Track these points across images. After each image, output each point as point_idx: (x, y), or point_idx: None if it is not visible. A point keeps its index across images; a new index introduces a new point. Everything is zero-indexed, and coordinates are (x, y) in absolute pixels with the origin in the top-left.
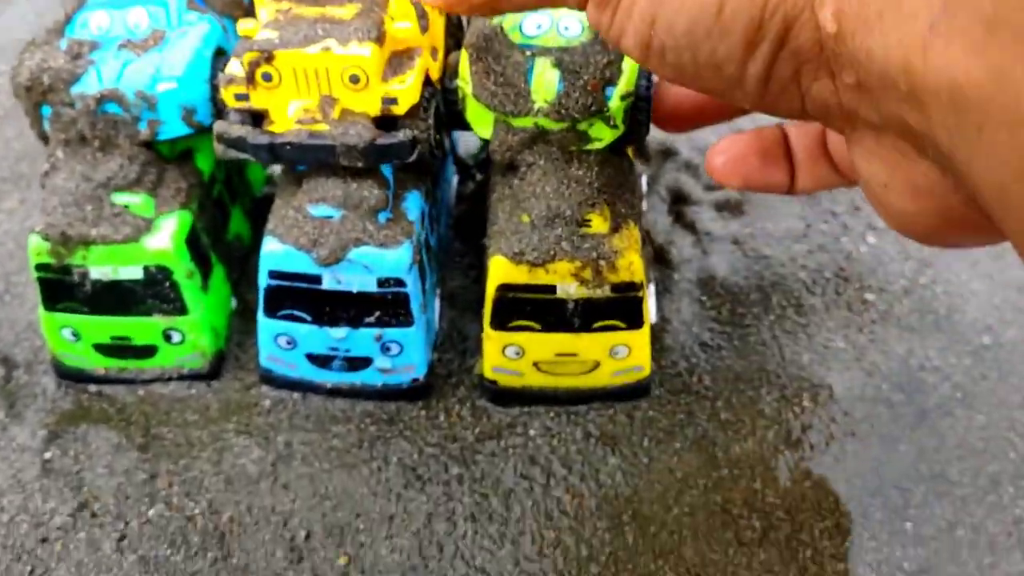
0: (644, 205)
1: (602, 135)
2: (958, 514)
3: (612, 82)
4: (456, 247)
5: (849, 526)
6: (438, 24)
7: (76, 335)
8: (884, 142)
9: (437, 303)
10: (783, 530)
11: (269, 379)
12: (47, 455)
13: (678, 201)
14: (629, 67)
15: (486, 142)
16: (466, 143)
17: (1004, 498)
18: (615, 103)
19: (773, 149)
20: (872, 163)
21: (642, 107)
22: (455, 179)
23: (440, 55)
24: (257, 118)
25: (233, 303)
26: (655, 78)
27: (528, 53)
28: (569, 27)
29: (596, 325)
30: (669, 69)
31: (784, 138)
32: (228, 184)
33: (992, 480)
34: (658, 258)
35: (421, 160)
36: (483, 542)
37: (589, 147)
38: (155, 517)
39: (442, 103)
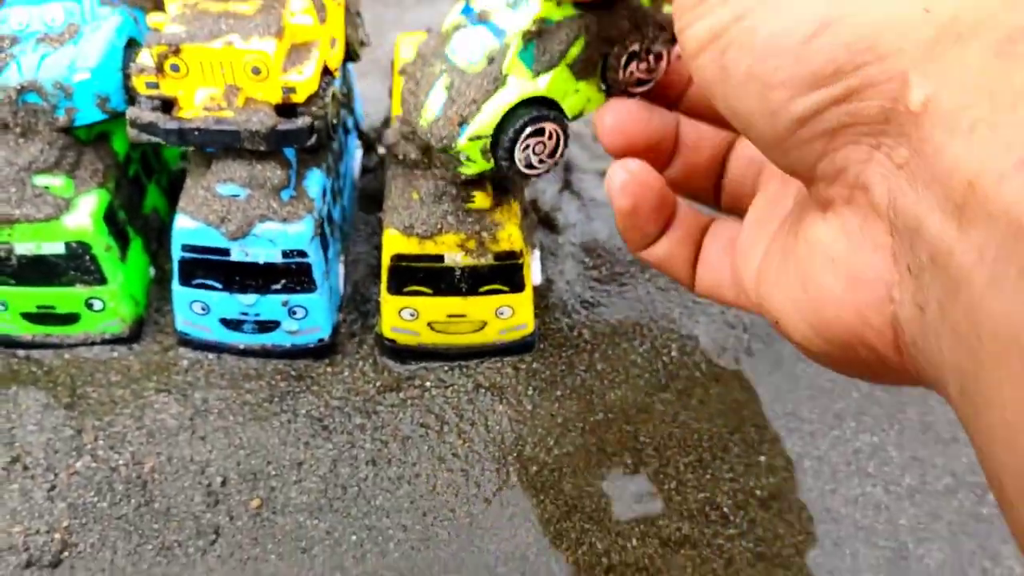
0: None
1: (467, 167)
2: (806, 447)
3: (466, 121)
4: (360, 216)
5: (710, 460)
6: (337, 15)
7: (4, 305)
8: (868, 227)
9: (341, 269)
10: (652, 465)
11: (186, 342)
12: None
13: (566, 170)
14: (493, 112)
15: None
16: (370, 119)
17: (846, 432)
18: (462, 142)
19: (667, 203)
20: (839, 237)
21: (502, 155)
22: (359, 152)
23: (340, 44)
24: (167, 104)
25: (152, 272)
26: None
27: (443, 68)
28: (474, 50)
29: (482, 289)
30: (716, 69)
31: (675, 205)
32: (144, 162)
33: (837, 416)
34: (545, 224)
35: (320, 142)
36: (383, 483)
37: (460, 171)
38: (82, 468)
39: (339, 90)
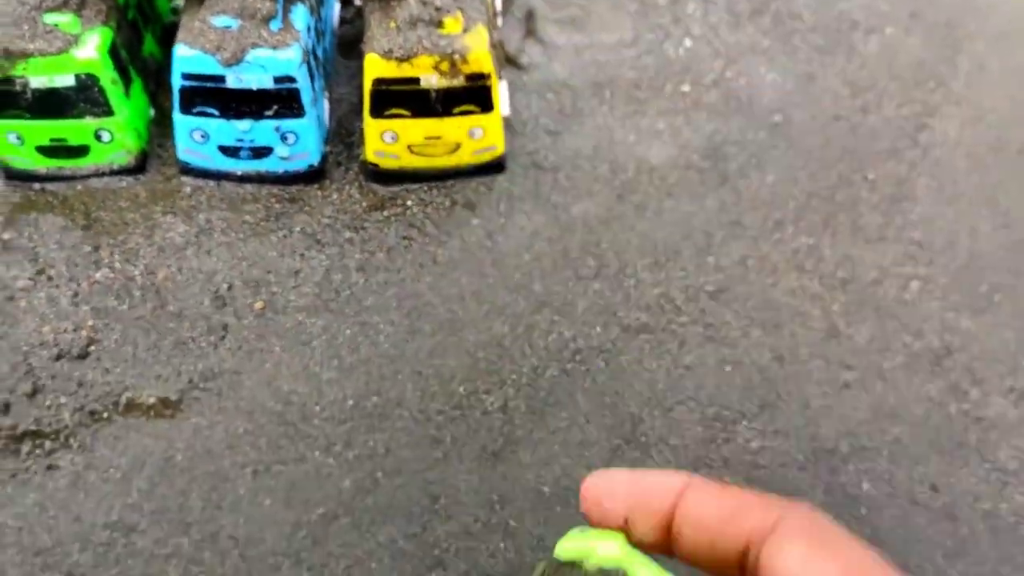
0: (500, 22)
1: None
2: (749, 249)
3: None
4: (341, 62)
5: (664, 262)
6: None
7: (20, 139)
8: None
9: (326, 104)
10: (613, 267)
11: (188, 170)
12: (6, 236)
13: (528, 19)
14: None
15: None
16: None
17: (786, 235)
18: None
19: None
20: None
21: None
22: (337, 6)
23: None
24: None
25: (151, 112)
26: None
27: None
28: None
29: (455, 110)
30: None
31: None
32: (141, 11)
33: (777, 223)
34: (511, 63)
35: None
36: (372, 287)
37: None
38: (101, 278)
39: None
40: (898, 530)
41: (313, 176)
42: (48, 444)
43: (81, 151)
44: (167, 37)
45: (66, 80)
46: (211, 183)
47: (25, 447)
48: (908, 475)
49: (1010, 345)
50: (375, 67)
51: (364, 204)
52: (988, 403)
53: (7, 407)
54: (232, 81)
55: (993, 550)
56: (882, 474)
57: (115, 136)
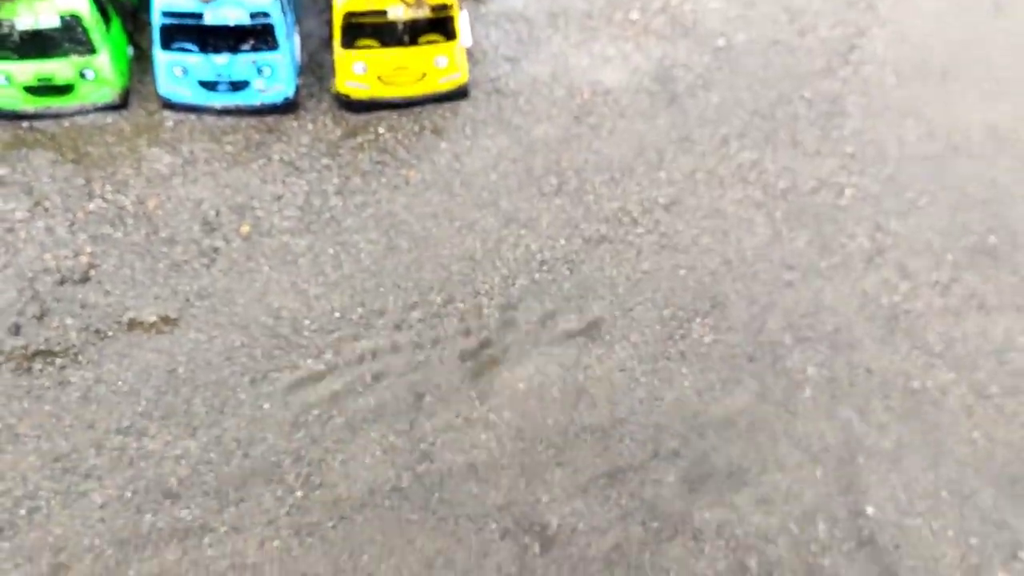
0: None
1: None
2: (697, 164)
3: None
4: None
5: (620, 178)
6: None
7: (8, 79)
8: None
9: (297, 39)
10: (573, 184)
11: (169, 105)
12: (0, 172)
13: None
14: None
15: None
16: None
17: (731, 150)
18: None
19: None
20: None
21: None
22: None
23: None
24: None
25: (130, 51)
26: None
27: None
28: None
29: (421, 41)
30: None
31: None
32: None
33: (723, 138)
34: None
35: None
36: (350, 209)
37: None
38: (95, 208)
39: None
40: (840, 408)
41: (288, 108)
42: (59, 361)
43: (66, 89)
44: None
45: (51, 21)
46: (192, 116)
47: (37, 365)
48: (846, 360)
49: (935, 243)
50: (345, 1)
51: (338, 132)
52: (916, 295)
53: (18, 329)
54: (210, 17)
55: (920, 421)
56: (823, 361)
57: (99, 74)
